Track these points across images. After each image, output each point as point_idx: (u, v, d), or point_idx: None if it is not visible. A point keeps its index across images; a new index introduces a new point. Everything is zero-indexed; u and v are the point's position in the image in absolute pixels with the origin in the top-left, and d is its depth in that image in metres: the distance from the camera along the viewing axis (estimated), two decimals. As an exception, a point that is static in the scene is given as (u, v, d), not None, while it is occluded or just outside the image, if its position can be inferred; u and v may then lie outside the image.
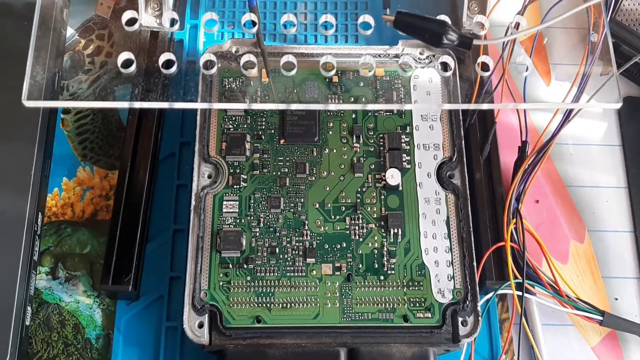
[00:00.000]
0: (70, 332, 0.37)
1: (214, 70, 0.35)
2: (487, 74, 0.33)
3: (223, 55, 0.38)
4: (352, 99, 0.37)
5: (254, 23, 0.31)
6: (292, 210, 0.36)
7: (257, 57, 0.37)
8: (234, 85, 0.38)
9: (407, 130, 0.38)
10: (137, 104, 0.29)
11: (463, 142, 0.37)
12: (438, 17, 0.29)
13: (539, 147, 0.37)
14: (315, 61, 0.38)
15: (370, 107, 0.35)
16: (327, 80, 0.38)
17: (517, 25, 0.33)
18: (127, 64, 0.32)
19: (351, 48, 0.39)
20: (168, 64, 0.33)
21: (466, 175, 0.37)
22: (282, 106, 0.32)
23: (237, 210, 0.36)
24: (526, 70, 0.36)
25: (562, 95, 0.39)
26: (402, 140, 0.37)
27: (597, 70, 0.41)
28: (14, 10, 0.36)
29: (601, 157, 0.42)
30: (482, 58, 0.33)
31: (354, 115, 0.38)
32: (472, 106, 0.36)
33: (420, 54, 0.39)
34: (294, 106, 0.33)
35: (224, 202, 0.36)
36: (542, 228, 0.40)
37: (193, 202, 0.35)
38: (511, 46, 0.37)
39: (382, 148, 0.37)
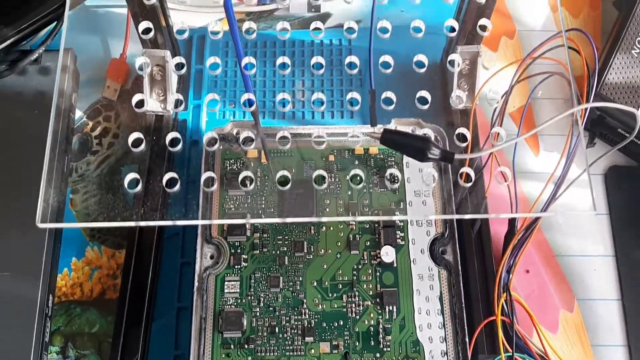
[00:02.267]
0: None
1: (215, 147, 0.37)
2: (468, 184, 0.35)
3: (224, 137, 0.40)
4: (348, 177, 0.39)
5: (250, 104, 0.33)
6: (290, 289, 0.38)
7: (257, 138, 0.39)
8: (234, 167, 0.40)
9: (401, 206, 0.39)
10: (143, 223, 0.31)
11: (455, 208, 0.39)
12: (422, 134, 0.31)
13: (528, 223, 0.38)
14: (315, 141, 0.40)
15: (360, 219, 0.37)
16: (323, 159, 0.40)
17: (496, 135, 0.35)
18: (137, 143, 0.34)
19: (346, 127, 0.40)
20: (173, 142, 0.35)
21: (458, 251, 0.38)
22: (277, 220, 0.34)
23: (239, 290, 0.37)
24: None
25: (550, 165, 0.41)
26: (396, 216, 0.39)
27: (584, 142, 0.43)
28: (24, 99, 0.38)
29: (589, 225, 0.43)
30: (464, 169, 0.35)
31: (349, 192, 0.39)
32: (465, 216, 0.38)
33: (412, 131, 0.40)
34: (289, 220, 0.35)
35: (226, 283, 0.37)
36: (532, 298, 0.41)
37: (196, 284, 0.37)
38: (492, 158, 0.39)
39: (376, 225, 0.39)
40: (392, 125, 0.40)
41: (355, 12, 0.46)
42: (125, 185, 0.32)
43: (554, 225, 0.43)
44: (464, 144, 0.36)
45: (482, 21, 0.38)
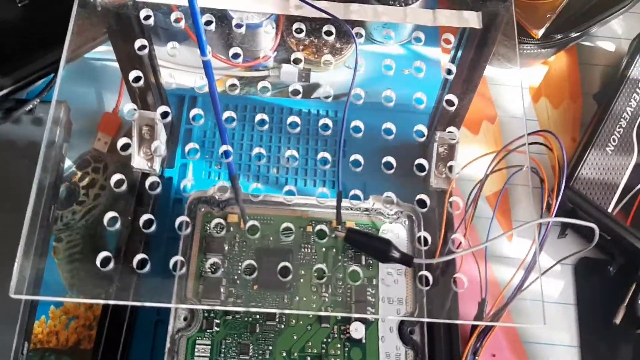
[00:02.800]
0: None
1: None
2: (425, 288, 0.37)
3: (207, 200, 0.41)
4: (324, 249, 0.40)
5: (227, 155, 0.34)
6: (260, 357, 0.38)
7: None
8: (215, 231, 0.41)
9: (374, 283, 0.40)
10: (111, 302, 0.32)
11: (425, 298, 0.40)
12: (383, 237, 0.33)
13: (497, 310, 0.40)
14: (293, 210, 0.42)
15: (331, 314, 0.38)
16: (301, 229, 0.41)
17: (459, 244, 0.37)
18: (119, 184, 0.35)
19: (326, 200, 0.41)
20: (149, 223, 0.36)
21: (425, 332, 0.39)
22: (246, 310, 0.36)
23: (209, 355, 0.38)
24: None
25: (522, 250, 0.42)
26: (368, 293, 0.40)
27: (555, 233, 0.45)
28: (17, 148, 0.39)
29: (557, 315, 0.44)
30: (422, 272, 0.37)
31: (324, 265, 0.40)
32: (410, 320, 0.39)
33: (390, 210, 0.42)
34: (257, 310, 0.37)
35: (197, 346, 0.38)
36: (497, 381, 0.42)
37: (168, 344, 0.38)
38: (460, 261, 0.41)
39: (349, 299, 0.40)
40: (370, 202, 0.41)
41: (343, 84, 0.48)
42: (98, 263, 0.33)
43: (523, 312, 0.44)
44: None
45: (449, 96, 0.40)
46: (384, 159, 0.39)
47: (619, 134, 0.45)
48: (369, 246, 0.33)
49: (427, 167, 0.38)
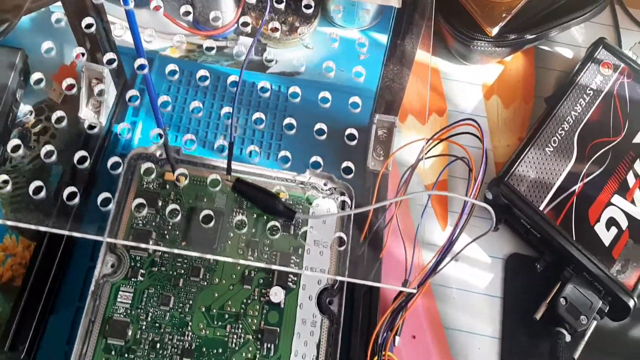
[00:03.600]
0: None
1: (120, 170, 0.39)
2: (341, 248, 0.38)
3: (147, 156, 0.43)
4: (255, 215, 0.42)
5: (160, 136, 0.36)
6: (179, 309, 0.40)
7: (181, 164, 0.42)
8: (151, 186, 0.42)
9: (299, 252, 0.42)
10: (45, 229, 0.34)
11: (347, 270, 0.42)
12: (270, 190, 0.34)
13: (416, 284, 0.41)
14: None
15: (255, 264, 0.40)
16: (236, 195, 0.42)
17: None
18: (49, 155, 0.37)
19: (264, 169, 0.43)
20: (81, 160, 0.38)
21: (344, 303, 0.41)
22: (175, 251, 0.37)
23: (130, 301, 0.40)
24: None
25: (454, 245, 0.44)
26: (292, 261, 0.42)
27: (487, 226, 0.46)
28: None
29: (482, 305, 0.45)
30: (338, 234, 0.39)
31: (254, 230, 0.42)
32: (359, 280, 0.41)
33: (325, 184, 0.43)
34: (184, 253, 0.39)
35: (120, 292, 0.40)
36: (414, 364, 0.44)
37: (92, 287, 0.40)
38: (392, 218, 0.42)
39: (274, 264, 0.42)
40: (307, 175, 0.43)
41: (299, 63, 0.50)
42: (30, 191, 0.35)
43: (449, 299, 0.45)
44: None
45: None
46: (317, 126, 0.40)
47: (560, 136, 0.47)
48: (256, 198, 0.34)
49: (356, 135, 0.39)
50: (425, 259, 0.47)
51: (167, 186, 0.42)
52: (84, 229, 0.39)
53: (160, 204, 0.42)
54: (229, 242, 0.42)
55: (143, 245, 0.39)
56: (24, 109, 0.45)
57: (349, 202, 0.43)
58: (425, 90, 0.48)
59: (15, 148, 0.38)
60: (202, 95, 0.49)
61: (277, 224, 0.39)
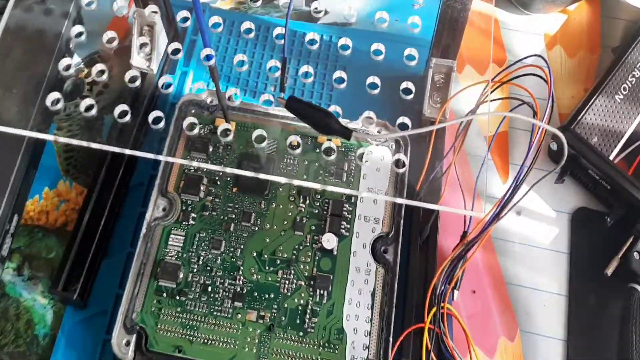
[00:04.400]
0: (23, 326, 0.41)
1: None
2: (401, 170, 0.36)
3: (198, 103, 0.42)
4: (306, 162, 0.41)
5: (208, 59, 0.36)
6: (230, 254, 0.39)
7: (231, 111, 0.42)
8: (202, 132, 0.42)
9: (352, 200, 0.41)
10: (106, 147, 0.34)
11: (402, 221, 0.40)
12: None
13: (473, 236, 0.39)
14: (281, 122, 0.43)
15: (317, 186, 0.39)
16: (287, 140, 0.42)
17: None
18: (122, 114, 0.37)
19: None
20: (156, 119, 0.38)
21: (399, 253, 0.39)
22: (236, 171, 0.37)
23: (182, 245, 0.39)
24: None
25: (517, 195, 0.41)
26: (345, 209, 0.40)
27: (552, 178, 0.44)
28: (25, 35, 0.42)
29: (546, 261, 0.43)
30: (397, 156, 0.37)
31: (305, 177, 0.41)
32: (411, 202, 0.39)
33: (378, 132, 0.42)
34: (237, 171, 0.38)
35: (171, 235, 0.40)
36: (474, 319, 0.41)
37: (144, 230, 0.39)
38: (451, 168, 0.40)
39: (325, 212, 0.40)
40: (359, 123, 0.42)
41: (350, 12, 0.48)
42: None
43: (510, 253, 0.43)
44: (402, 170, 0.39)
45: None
46: (369, 80, 0.39)
47: (630, 84, 0.44)
48: (309, 115, 0.33)
49: (413, 90, 0.38)
50: (486, 211, 0.45)
51: (218, 132, 0.42)
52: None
53: (210, 149, 0.42)
54: (280, 189, 0.41)
55: (196, 164, 0.39)
56: (77, 60, 0.46)
57: (403, 149, 0.42)
58: (483, 39, 0.47)
59: (56, 101, 0.38)
60: (252, 47, 0.49)
61: (332, 146, 0.38)
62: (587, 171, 0.43)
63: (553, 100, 0.36)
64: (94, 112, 0.37)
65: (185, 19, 0.43)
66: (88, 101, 0.37)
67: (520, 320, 0.42)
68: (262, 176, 0.34)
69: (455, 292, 0.41)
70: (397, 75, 0.40)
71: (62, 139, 0.36)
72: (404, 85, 0.39)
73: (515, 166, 0.45)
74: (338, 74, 0.40)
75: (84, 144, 0.32)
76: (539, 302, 0.42)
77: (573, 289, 0.42)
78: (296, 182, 0.39)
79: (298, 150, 0.40)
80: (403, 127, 0.39)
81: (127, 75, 0.40)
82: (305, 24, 0.50)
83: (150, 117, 0.37)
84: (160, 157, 0.38)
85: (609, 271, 0.41)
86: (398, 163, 0.41)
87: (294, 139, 0.41)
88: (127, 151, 0.34)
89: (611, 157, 0.42)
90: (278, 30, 0.42)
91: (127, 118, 0.36)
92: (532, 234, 0.44)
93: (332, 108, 0.39)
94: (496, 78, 0.40)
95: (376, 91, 0.39)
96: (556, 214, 0.44)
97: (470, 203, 0.41)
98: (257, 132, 0.39)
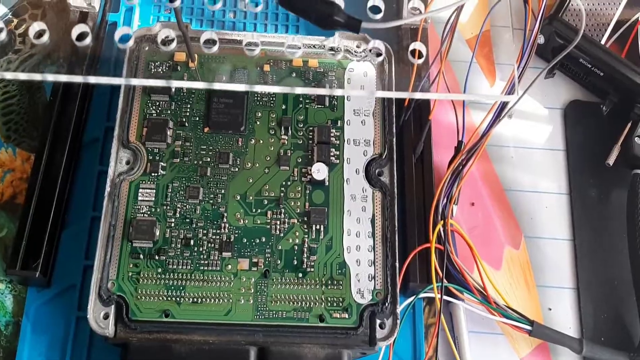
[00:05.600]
0: (-22, 318, 0.35)
1: (129, 44, 0.33)
2: (419, 61, 0.31)
3: (151, 38, 0.36)
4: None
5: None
6: (211, 201, 0.34)
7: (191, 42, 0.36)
8: (159, 70, 0.36)
9: (338, 125, 0.36)
10: (50, 77, 0.27)
11: (394, 139, 0.35)
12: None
13: (470, 146, 0.35)
14: (248, 49, 0.36)
15: (299, 90, 0.33)
16: (258, 68, 0.36)
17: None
18: (39, 34, 0.31)
19: (284, 37, 0.37)
20: (81, 36, 0.31)
21: (395, 173, 0.35)
22: (202, 85, 0.30)
23: (153, 199, 0.34)
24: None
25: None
26: (332, 134, 0.35)
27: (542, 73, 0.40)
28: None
29: (543, 161, 0.40)
30: (415, 44, 0.32)
31: (284, 107, 0.36)
32: (404, 94, 0.34)
33: (357, 46, 0.37)
34: (217, 85, 0.30)
35: (140, 190, 0.34)
36: (476, 232, 0.38)
37: (108, 189, 0.34)
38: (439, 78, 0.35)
39: (310, 141, 0.35)
40: (336, 39, 0.37)
41: None
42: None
43: (505, 158, 0.40)
44: (420, 60, 0.33)
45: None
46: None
47: (615, -39, 0.40)
48: (309, 8, 0.28)
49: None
50: (476, 119, 0.41)
51: (179, 68, 0.36)
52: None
53: (173, 89, 0.36)
54: (258, 123, 0.36)
55: (163, 83, 0.33)
56: (4, 10, 0.39)
57: (387, 61, 0.37)
58: None
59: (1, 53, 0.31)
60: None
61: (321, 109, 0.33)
62: (578, 60, 0.39)
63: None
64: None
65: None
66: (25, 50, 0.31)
67: (524, 226, 0.39)
68: (238, 87, 0.29)
69: (454, 207, 0.37)
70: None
71: (8, 74, 0.29)
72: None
73: (501, 66, 0.41)
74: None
75: (37, 77, 0.26)
76: (541, 205, 0.39)
77: (574, 186, 0.39)
78: (278, 90, 0.34)
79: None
80: (375, 10, 0.33)
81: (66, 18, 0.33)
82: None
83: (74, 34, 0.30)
84: (120, 80, 0.31)
85: (610, 161, 0.38)
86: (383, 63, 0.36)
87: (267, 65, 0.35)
88: (92, 79, 0.27)
89: (602, 41, 0.38)
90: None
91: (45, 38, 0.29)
92: (525, 135, 0.40)
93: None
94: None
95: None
96: (548, 111, 0.41)
97: (460, 112, 0.37)
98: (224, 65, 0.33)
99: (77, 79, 0.28)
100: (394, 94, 0.34)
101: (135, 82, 0.33)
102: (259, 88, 0.32)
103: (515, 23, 0.42)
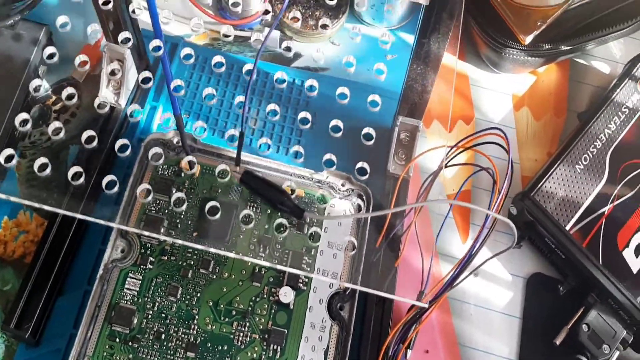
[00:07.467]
0: (-25, 360, 0.40)
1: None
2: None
3: (164, 143, 0.43)
4: (269, 211, 0.42)
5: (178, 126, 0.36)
6: (186, 302, 0.40)
7: (198, 153, 0.43)
8: (165, 173, 0.42)
9: (312, 253, 0.42)
10: (55, 209, 0.34)
11: (360, 278, 0.41)
12: (279, 186, 0.35)
13: (432, 297, 0.40)
14: (246, 168, 0.43)
15: (263, 263, 0.40)
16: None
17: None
18: (57, 132, 0.37)
19: (280, 164, 0.43)
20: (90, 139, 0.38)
21: (355, 311, 0.40)
22: (186, 243, 0.37)
23: (138, 289, 0.40)
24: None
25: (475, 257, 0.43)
26: (304, 262, 0.41)
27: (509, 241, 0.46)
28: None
29: (499, 324, 0.44)
30: (349, 238, 0.39)
31: (266, 226, 0.42)
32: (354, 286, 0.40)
33: (342, 185, 0.43)
34: (198, 247, 0.38)
35: (128, 279, 0.40)
36: (425, 380, 0.43)
37: (100, 272, 0.40)
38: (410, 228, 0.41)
39: (284, 264, 0.41)
40: (324, 174, 0.43)
41: (323, 58, 0.48)
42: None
43: (465, 315, 0.45)
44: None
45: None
46: (333, 123, 0.39)
47: (591, 154, 0.46)
48: (264, 192, 0.34)
49: (373, 135, 0.38)
50: (444, 271, 0.46)
51: (183, 174, 0.42)
52: (96, 212, 0.39)
53: (173, 191, 0.42)
54: (241, 236, 0.42)
55: (154, 235, 0.39)
56: (46, 86, 0.46)
57: (366, 205, 0.43)
58: (454, 96, 0.48)
59: (24, 123, 0.38)
60: (224, 85, 0.49)
61: (285, 222, 0.38)
62: (544, 239, 0.44)
63: (512, 175, 0.37)
64: (61, 135, 0.37)
65: (158, 48, 0.44)
66: (56, 124, 0.37)
67: (470, 382, 0.44)
68: (216, 251, 0.35)
69: (409, 351, 0.42)
70: (363, 121, 0.40)
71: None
72: (365, 130, 0.40)
73: (476, 226, 0.47)
74: (303, 114, 0.40)
75: (45, 207, 0.32)
76: (488, 365, 0.44)
77: (523, 355, 0.44)
78: (252, 260, 0.40)
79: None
80: (361, 172, 0.39)
81: (95, 104, 0.40)
82: (279, 66, 0.50)
83: (117, 145, 0.37)
84: (111, 224, 0.38)
85: (558, 341, 0.43)
86: (360, 208, 0.42)
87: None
88: (85, 217, 0.34)
89: (568, 227, 0.44)
90: (247, 67, 0.42)
91: (94, 143, 0.36)
92: (487, 296, 0.45)
93: (295, 148, 0.40)
94: (461, 143, 0.41)
95: (338, 134, 0.39)
96: (512, 278, 0.46)
97: (428, 262, 0.43)
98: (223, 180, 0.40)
99: (77, 216, 0.34)
100: (358, 287, 0.39)
101: (129, 228, 0.39)
102: (233, 255, 0.38)
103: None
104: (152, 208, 0.42)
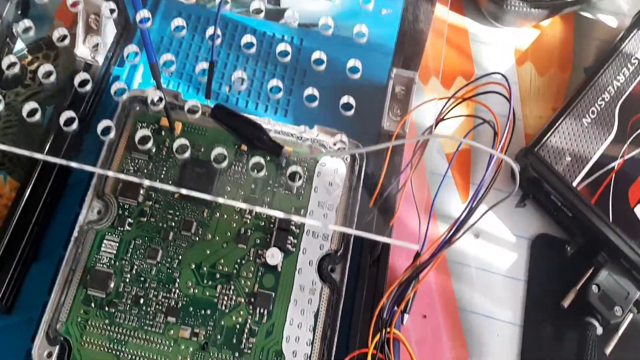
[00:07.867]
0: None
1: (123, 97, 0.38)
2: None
3: (143, 100, 0.41)
4: (255, 170, 0.39)
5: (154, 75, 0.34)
6: (167, 265, 0.38)
7: (178, 110, 0.41)
8: (144, 131, 0.40)
9: (301, 213, 0.40)
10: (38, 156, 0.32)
11: (352, 239, 0.39)
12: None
13: (426, 258, 0.38)
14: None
15: (258, 209, 0.38)
16: (236, 146, 0.41)
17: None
18: (48, 75, 0.36)
19: (267, 122, 0.40)
20: (83, 83, 0.37)
21: (347, 272, 0.38)
22: (171, 188, 0.35)
23: (115, 252, 0.38)
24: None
25: (475, 214, 0.41)
26: (292, 223, 0.39)
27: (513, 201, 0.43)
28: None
29: (503, 288, 0.42)
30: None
31: (253, 186, 0.40)
32: (358, 232, 0.37)
33: (334, 143, 0.41)
34: (184, 191, 0.35)
35: (105, 241, 0.38)
36: (423, 344, 0.41)
37: (75, 234, 0.38)
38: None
39: (271, 225, 0.39)
40: (315, 132, 0.41)
41: (315, 13, 0.47)
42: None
43: (466, 277, 0.43)
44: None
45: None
46: (343, 99, 0.38)
47: (599, 107, 0.43)
48: (238, 128, 0.32)
49: (353, 105, 0.37)
50: (442, 231, 0.44)
51: (163, 132, 0.41)
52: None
53: (154, 150, 0.40)
54: (226, 196, 0.40)
55: (136, 180, 0.37)
56: (21, 45, 0.44)
57: (359, 164, 0.41)
58: (453, 52, 0.46)
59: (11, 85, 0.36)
60: (207, 42, 0.47)
61: (262, 161, 0.36)
62: (550, 196, 0.42)
63: (514, 123, 0.35)
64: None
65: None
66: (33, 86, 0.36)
67: (472, 349, 0.41)
68: (202, 196, 0.33)
69: (405, 315, 0.40)
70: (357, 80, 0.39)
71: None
72: (344, 99, 0.38)
73: (476, 186, 0.44)
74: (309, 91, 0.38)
75: (25, 152, 0.30)
76: (492, 331, 0.41)
77: (528, 320, 0.42)
78: (241, 205, 0.38)
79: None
80: (346, 107, 0.38)
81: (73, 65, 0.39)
82: (270, 23, 0.48)
83: (99, 128, 0.36)
84: (94, 169, 0.36)
85: (566, 303, 0.41)
86: (353, 165, 0.40)
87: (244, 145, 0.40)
88: (72, 164, 0.32)
89: (575, 183, 0.42)
90: (248, 39, 0.40)
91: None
92: (489, 259, 0.43)
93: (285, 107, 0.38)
94: (458, 94, 0.39)
95: (350, 112, 0.37)
96: (516, 239, 0.44)
97: (425, 222, 0.40)
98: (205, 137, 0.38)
99: (56, 160, 0.33)
100: (349, 231, 0.38)
101: (110, 173, 0.38)
102: (222, 200, 0.37)
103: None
104: (130, 168, 0.40)
